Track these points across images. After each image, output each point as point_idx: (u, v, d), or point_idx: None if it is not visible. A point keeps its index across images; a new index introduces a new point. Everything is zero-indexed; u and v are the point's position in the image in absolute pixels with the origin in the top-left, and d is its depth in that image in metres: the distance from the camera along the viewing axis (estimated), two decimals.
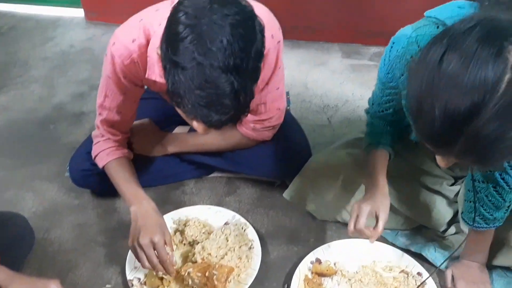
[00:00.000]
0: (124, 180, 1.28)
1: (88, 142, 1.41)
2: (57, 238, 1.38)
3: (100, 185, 1.46)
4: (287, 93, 1.91)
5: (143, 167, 1.48)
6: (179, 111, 0.97)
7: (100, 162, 1.33)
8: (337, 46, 2.25)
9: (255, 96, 1.24)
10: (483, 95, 0.65)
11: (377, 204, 1.08)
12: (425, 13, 1.00)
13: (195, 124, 0.97)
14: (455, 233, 1.28)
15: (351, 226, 1.07)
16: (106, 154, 1.33)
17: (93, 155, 1.36)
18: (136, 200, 1.22)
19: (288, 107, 1.84)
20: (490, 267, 1.19)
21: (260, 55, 0.93)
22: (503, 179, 1.01)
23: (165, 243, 1.13)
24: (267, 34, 1.13)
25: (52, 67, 2.28)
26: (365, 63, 2.13)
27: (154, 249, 1.12)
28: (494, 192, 1.03)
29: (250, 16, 0.91)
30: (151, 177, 1.52)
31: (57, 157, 1.67)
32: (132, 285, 1.20)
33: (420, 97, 0.71)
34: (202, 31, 0.85)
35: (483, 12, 0.77)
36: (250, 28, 0.90)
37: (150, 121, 1.52)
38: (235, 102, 0.90)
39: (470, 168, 1.06)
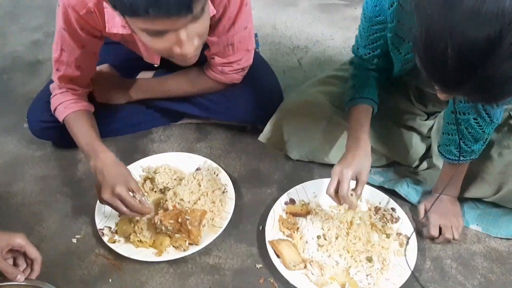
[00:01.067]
0: (81, 134, 1.22)
1: (46, 92, 1.33)
2: (20, 191, 1.32)
3: (61, 136, 1.38)
4: (256, 35, 1.83)
5: (107, 116, 1.42)
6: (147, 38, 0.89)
7: (59, 116, 1.26)
8: None
9: (221, 37, 1.19)
10: (500, 30, 0.61)
11: (359, 166, 1.05)
12: None
13: (175, 50, 0.91)
14: (426, 168, 1.29)
15: (330, 190, 1.05)
16: (64, 107, 1.25)
17: (52, 108, 1.28)
18: (93, 154, 1.15)
19: (257, 49, 1.78)
20: (461, 199, 1.21)
21: None
22: (485, 110, 1.00)
23: (132, 190, 1.10)
24: None
25: (3, 14, 2.11)
26: (334, 2, 2.06)
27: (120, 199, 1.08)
28: (475, 124, 1.02)
29: None
30: (116, 126, 1.47)
31: (14, 108, 1.57)
32: (103, 234, 1.17)
33: (432, 33, 0.66)
34: None
35: None
36: None
37: (110, 67, 1.43)
38: None
39: (452, 100, 1.03)
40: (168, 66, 1.38)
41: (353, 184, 1.07)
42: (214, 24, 1.17)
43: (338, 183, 1.05)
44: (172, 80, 1.38)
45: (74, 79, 1.25)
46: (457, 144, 1.07)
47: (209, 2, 1.05)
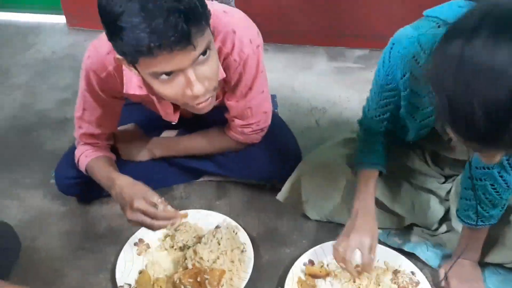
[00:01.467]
0: (103, 170, 1.27)
1: (73, 149, 1.39)
2: (43, 246, 1.34)
3: (86, 192, 1.44)
4: (274, 96, 1.91)
5: (130, 173, 1.42)
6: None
7: (82, 165, 1.32)
8: (322, 50, 2.26)
9: (240, 101, 1.24)
10: None
11: (368, 233, 1.09)
12: (424, 13, 0.99)
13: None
14: (446, 231, 1.29)
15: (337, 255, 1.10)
16: (85, 156, 1.32)
17: (75, 160, 1.34)
18: (111, 182, 1.20)
19: (276, 110, 1.85)
20: (482, 264, 1.20)
21: None
22: (501, 177, 1.01)
23: (154, 204, 1.11)
24: (245, 39, 1.14)
25: (34, 74, 2.24)
26: (350, 65, 2.14)
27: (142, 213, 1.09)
28: (492, 190, 1.03)
29: None
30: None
31: (41, 164, 1.63)
32: None
33: (453, 98, 0.67)
34: None
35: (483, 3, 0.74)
36: None
37: (135, 126, 1.50)
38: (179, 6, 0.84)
39: (468, 165, 1.05)
40: (189, 125, 1.44)
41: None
42: (232, 89, 1.24)
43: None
44: (193, 139, 1.43)
45: (95, 136, 1.32)
46: (474, 209, 1.07)
47: (220, 67, 1.11)
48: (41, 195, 1.52)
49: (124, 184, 1.17)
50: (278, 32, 2.27)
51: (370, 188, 1.15)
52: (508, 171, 1.00)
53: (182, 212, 1.15)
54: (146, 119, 1.53)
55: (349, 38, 2.24)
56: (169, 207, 1.11)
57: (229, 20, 1.13)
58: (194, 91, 0.96)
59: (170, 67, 0.91)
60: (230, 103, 1.28)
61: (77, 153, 1.34)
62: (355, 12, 2.17)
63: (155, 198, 1.12)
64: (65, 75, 2.19)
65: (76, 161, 1.34)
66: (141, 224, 1.11)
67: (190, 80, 0.94)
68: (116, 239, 1.34)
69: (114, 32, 0.88)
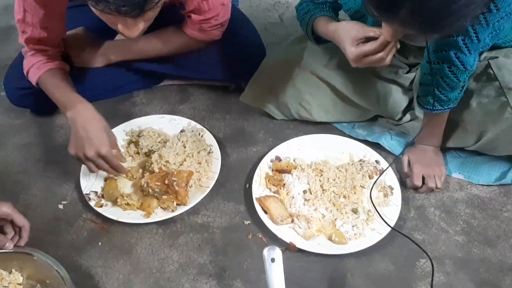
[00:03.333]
0: (57, 89, 1.20)
1: (22, 58, 1.28)
2: (2, 160, 1.30)
3: (39, 104, 1.36)
4: None
5: (86, 81, 1.38)
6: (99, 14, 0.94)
7: (33, 79, 1.23)
8: None
9: None
10: None
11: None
12: None
13: (119, 27, 0.96)
14: (410, 120, 1.30)
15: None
16: (37, 68, 1.22)
17: (25, 73, 1.25)
18: (70, 104, 1.14)
19: (237, 6, 1.74)
20: (444, 149, 1.23)
21: None
22: (457, 58, 1.00)
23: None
24: None
25: None
26: None
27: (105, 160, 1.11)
28: (449, 73, 1.02)
29: None
30: (96, 92, 1.42)
31: None
32: (89, 199, 1.16)
33: None
34: None
35: None
36: None
37: (85, 30, 1.38)
38: None
39: (426, 50, 1.03)
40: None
41: None
42: None
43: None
44: (150, 39, 1.34)
45: (42, 40, 1.21)
46: (434, 94, 1.07)
47: None
48: None
49: (88, 116, 1.12)
50: None
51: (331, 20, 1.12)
52: (464, 51, 0.99)
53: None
54: (97, 22, 1.37)
55: None
56: (120, 153, 1.17)
57: None
58: (128, 34, 0.98)
59: (111, 21, 0.96)
60: None
61: (26, 64, 1.24)
62: None
63: (114, 141, 1.15)
64: None
65: (25, 72, 1.24)
66: (91, 166, 1.12)
67: (127, 25, 0.96)
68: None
69: None
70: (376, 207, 1.10)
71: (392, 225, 1.07)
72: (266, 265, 0.86)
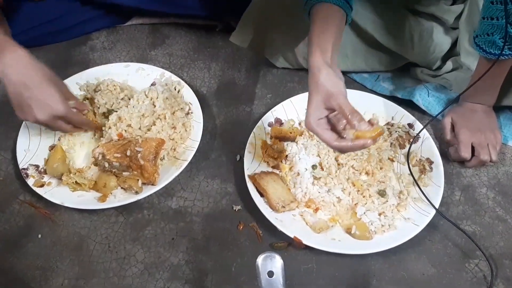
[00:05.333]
0: None
1: None
2: None
3: None
4: None
5: (28, 18, 1.10)
6: None
7: None
8: None
9: None
10: None
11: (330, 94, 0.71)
12: None
13: None
14: (452, 70, 1.01)
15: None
16: None
17: None
18: (5, 51, 0.82)
19: None
20: (498, 109, 0.95)
21: None
22: None
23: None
24: None
25: None
26: None
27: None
28: None
29: None
30: (43, 32, 1.15)
31: None
32: (27, 175, 0.89)
33: None
34: None
35: None
36: None
37: None
38: None
39: None
40: None
41: None
42: None
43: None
44: None
45: None
46: (503, 32, 0.77)
47: None
48: None
49: (23, 66, 0.82)
50: None
51: (329, 36, 0.76)
52: None
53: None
54: None
55: None
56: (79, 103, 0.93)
57: None
58: None
59: None
60: None
61: None
62: None
63: (68, 92, 0.89)
64: None
65: None
66: (50, 128, 0.89)
67: None
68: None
69: None
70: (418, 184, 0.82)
71: (432, 215, 0.79)
72: (261, 281, 0.60)
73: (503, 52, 0.79)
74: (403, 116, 0.94)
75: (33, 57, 0.83)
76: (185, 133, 0.95)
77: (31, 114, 0.82)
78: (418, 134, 0.90)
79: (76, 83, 1.03)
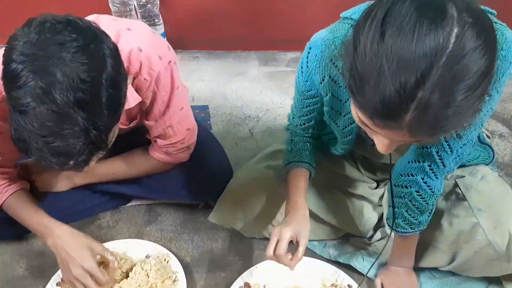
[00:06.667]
0: (28, 214, 1.17)
1: None
2: None
3: (2, 231, 1.31)
4: (206, 107, 1.85)
5: (51, 205, 1.33)
6: None
7: None
8: (254, 54, 2.21)
9: (158, 121, 1.18)
10: (430, 64, 0.60)
11: (298, 228, 1.01)
12: (340, 15, 0.96)
13: None
14: (381, 239, 1.27)
15: (269, 251, 1.00)
16: (0, 192, 1.19)
17: None
18: (48, 231, 1.13)
19: (208, 121, 1.78)
20: (418, 270, 1.19)
21: (116, 81, 0.85)
22: (425, 183, 1.00)
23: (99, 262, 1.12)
24: (153, 56, 1.07)
25: None
26: (283, 69, 2.11)
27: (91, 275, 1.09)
28: (417, 197, 1.01)
29: (92, 40, 0.82)
30: (61, 215, 1.30)
31: None
32: None
33: (366, 75, 0.65)
34: (35, 68, 0.77)
35: None
36: (95, 55, 0.81)
37: None
38: (86, 142, 0.83)
39: (390, 173, 1.04)
40: (113, 149, 1.35)
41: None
42: (148, 109, 1.16)
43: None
44: (116, 163, 1.33)
45: None
46: (404, 217, 1.06)
47: (133, 90, 1.08)
48: None
49: (65, 236, 1.11)
50: (208, 39, 2.20)
51: (301, 188, 1.10)
52: (431, 176, 0.99)
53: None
54: None
55: (280, 42, 2.20)
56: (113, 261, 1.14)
57: (134, 38, 1.05)
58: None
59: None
60: (149, 123, 1.21)
61: None
62: (285, 16, 2.13)
63: (101, 249, 1.13)
64: None
65: None
66: (82, 285, 1.09)
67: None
68: (37, 280, 1.23)
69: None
70: None
71: None
72: None
73: (405, 231, 1.07)
74: (344, 278, 1.17)
75: (72, 229, 1.13)
76: None
77: (70, 272, 1.07)
78: None
79: None
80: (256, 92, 1.96)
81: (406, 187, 1.03)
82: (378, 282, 1.16)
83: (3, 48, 0.82)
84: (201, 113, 1.84)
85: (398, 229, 1.08)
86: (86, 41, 0.81)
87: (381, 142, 0.75)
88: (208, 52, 2.22)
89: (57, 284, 1.20)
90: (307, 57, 1.00)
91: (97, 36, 0.84)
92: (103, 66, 0.82)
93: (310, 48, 0.99)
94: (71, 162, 0.84)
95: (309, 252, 1.27)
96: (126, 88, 0.91)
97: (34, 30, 0.79)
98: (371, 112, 0.68)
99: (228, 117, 1.83)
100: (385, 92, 0.63)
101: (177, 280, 1.19)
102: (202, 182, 1.35)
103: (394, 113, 0.65)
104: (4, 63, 0.80)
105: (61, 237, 1.11)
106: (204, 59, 2.18)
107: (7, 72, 0.80)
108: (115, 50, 0.87)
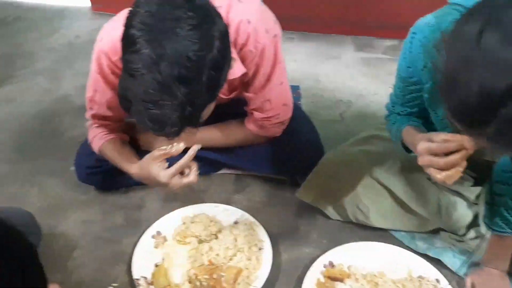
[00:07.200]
0: (118, 153, 1.28)
1: None
2: (62, 234, 1.34)
3: (105, 182, 1.44)
4: (298, 87, 1.86)
5: None
6: None
7: (95, 147, 1.31)
8: (349, 39, 2.19)
9: (258, 93, 1.21)
10: None
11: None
12: (448, 0, 0.94)
13: None
14: (474, 238, 1.23)
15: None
16: (99, 138, 1.31)
17: (89, 142, 1.34)
18: (131, 166, 1.21)
19: (299, 102, 1.80)
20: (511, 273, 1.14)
21: (219, 64, 0.88)
22: None
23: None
24: (261, 29, 1.10)
25: (58, 59, 2.24)
26: (379, 56, 2.07)
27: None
28: None
29: (206, 20, 0.85)
30: None
31: (63, 151, 1.63)
32: (138, 284, 1.16)
33: (455, 72, 0.65)
34: (151, 38, 0.82)
35: None
36: (205, 35, 0.84)
37: None
38: (180, 115, 0.86)
39: (492, 169, 1.00)
40: (210, 117, 1.41)
41: None
42: (250, 81, 1.20)
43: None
44: (211, 131, 1.40)
45: (106, 117, 1.30)
46: (502, 216, 1.02)
47: (239, 62, 1.11)
48: (61, 183, 1.52)
49: (138, 172, 1.19)
50: (304, 20, 2.20)
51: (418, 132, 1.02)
52: None
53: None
54: None
55: (378, 28, 2.16)
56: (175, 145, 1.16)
57: (244, 10, 1.09)
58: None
59: None
60: (249, 95, 1.25)
61: (90, 135, 1.33)
62: (384, 1, 2.08)
63: (160, 153, 1.14)
64: (89, 60, 2.17)
65: (89, 141, 1.34)
66: (175, 187, 1.14)
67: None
68: (134, 230, 1.33)
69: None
70: None
71: None
72: None
73: (503, 230, 1.02)
74: (433, 272, 1.15)
75: (138, 161, 1.19)
76: (257, 264, 1.18)
77: (156, 184, 1.14)
78: None
79: (178, 214, 1.34)
80: (349, 77, 1.95)
81: (508, 184, 0.98)
82: (469, 281, 1.12)
83: (128, 10, 0.88)
84: (293, 93, 1.84)
85: (495, 228, 1.04)
86: (200, 21, 0.84)
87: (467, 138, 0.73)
88: (303, 33, 2.23)
89: (152, 237, 1.29)
90: (411, 43, 0.98)
91: (211, 17, 0.87)
92: (211, 48, 0.85)
93: (414, 33, 0.97)
94: (164, 130, 0.89)
95: (397, 242, 1.26)
96: (228, 72, 0.94)
97: (156, 1, 0.84)
98: (452, 114, 0.68)
99: (319, 99, 1.84)
100: (468, 100, 0.63)
101: (263, 248, 1.23)
102: (292, 158, 1.38)
103: (474, 122, 0.65)
104: (125, 25, 0.86)
105: (137, 174, 1.19)
106: (298, 41, 2.20)
107: (126, 35, 0.86)
108: (225, 33, 0.90)
